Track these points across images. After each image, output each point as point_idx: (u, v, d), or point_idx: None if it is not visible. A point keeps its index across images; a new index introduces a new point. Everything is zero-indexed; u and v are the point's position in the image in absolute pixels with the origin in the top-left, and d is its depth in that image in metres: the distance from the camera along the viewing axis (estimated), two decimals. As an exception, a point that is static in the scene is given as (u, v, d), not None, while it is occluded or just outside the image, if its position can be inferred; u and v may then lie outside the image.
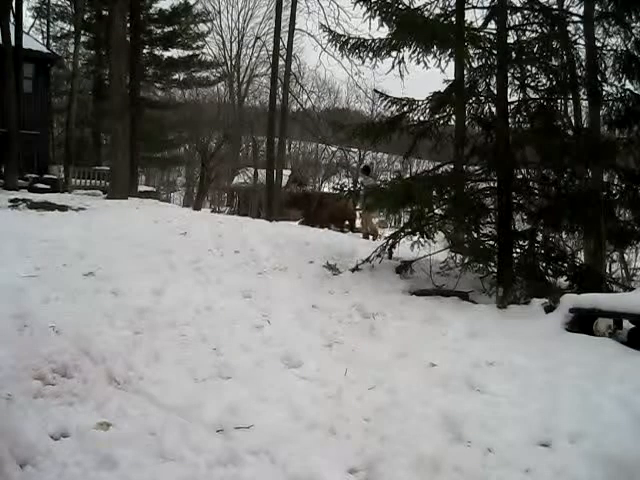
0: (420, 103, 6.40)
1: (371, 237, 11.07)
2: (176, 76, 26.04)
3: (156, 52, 24.69)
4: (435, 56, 6.24)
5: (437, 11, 6.33)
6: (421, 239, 6.19)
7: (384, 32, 6.40)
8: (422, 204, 6.07)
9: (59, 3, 24.54)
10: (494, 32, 5.95)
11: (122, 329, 3.96)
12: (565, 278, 5.94)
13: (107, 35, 16.08)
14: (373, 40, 6.48)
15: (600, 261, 6.80)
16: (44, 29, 24.81)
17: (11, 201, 10.74)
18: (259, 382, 3.29)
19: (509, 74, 5.88)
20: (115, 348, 3.58)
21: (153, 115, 24.12)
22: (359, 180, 12.57)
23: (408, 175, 9.63)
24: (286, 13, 18.65)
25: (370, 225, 11.62)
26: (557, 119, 6.06)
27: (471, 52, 6.12)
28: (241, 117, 29.10)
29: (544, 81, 5.94)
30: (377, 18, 6.19)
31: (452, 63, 6.52)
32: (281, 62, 18.38)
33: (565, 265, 5.93)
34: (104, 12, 21.83)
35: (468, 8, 6.24)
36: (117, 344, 3.66)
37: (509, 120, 5.95)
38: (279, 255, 6.64)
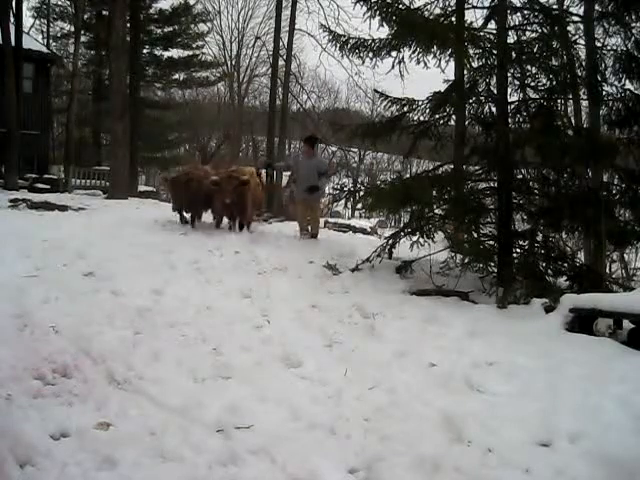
0: (420, 103, 6.40)
1: (308, 234, 7.96)
2: (176, 76, 26.07)
3: (156, 52, 24.71)
4: (435, 56, 6.25)
5: (437, 11, 6.36)
6: (421, 239, 6.19)
7: (384, 32, 6.41)
8: (422, 204, 6.07)
9: (59, 3, 24.58)
10: (494, 32, 5.95)
11: (122, 329, 3.96)
12: (565, 278, 5.94)
13: (107, 35, 16.09)
14: (373, 40, 6.49)
15: (600, 261, 6.80)
16: (44, 29, 24.86)
17: (11, 201, 10.76)
18: (259, 382, 3.28)
19: (509, 74, 5.88)
20: (115, 348, 3.58)
21: (153, 115, 24.14)
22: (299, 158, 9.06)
23: (408, 175, 9.62)
24: (286, 13, 18.68)
25: (313, 220, 8.19)
26: (557, 119, 6.05)
27: (471, 52, 6.12)
28: (241, 117, 29.08)
29: (544, 81, 5.94)
30: (377, 18, 6.19)
31: (452, 63, 6.54)
32: (281, 62, 18.39)
33: (565, 265, 5.93)
34: (104, 12, 21.87)
35: (468, 8, 6.26)
36: (117, 344, 3.66)
37: (509, 120, 5.95)
38: (279, 255, 6.64)
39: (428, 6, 6.32)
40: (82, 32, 22.79)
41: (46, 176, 17.32)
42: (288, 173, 8.89)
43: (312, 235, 8.03)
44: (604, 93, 6.17)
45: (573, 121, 6.98)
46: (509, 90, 5.93)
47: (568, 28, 6.15)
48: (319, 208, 8.70)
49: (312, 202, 8.08)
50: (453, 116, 6.59)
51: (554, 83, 5.90)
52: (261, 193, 9.03)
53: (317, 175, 7.81)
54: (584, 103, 7.15)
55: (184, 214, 8.46)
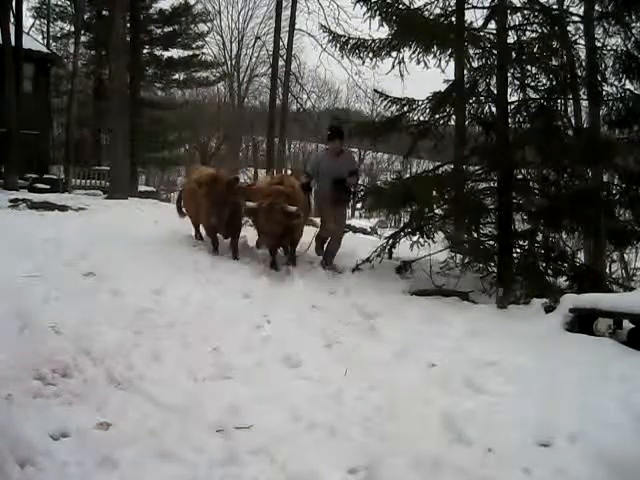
0: (420, 103, 6.41)
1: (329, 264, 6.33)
2: (176, 76, 26.04)
3: (156, 52, 24.68)
4: (435, 56, 6.26)
5: (437, 11, 6.35)
6: (420, 239, 6.19)
7: (384, 32, 6.42)
8: (422, 204, 6.07)
9: (59, 3, 24.58)
10: (494, 32, 5.95)
11: (122, 329, 3.96)
12: (565, 278, 5.94)
13: (107, 35, 16.09)
14: (373, 40, 6.49)
15: (600, 261, 6.81)
16: (44, 29, 24.87)
17: (11, 201, 10.76)
18: (259, 382, 3.29)
19: (509, 74, 5.88)
20: (115, 348, 3.58)
21: (153, 115, 24.13)
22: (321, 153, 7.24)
23: (408, 175, 9.61)
24: (286, 13, 18.69)
25: (334, 232, 6.41)
26: (557, 119, 6.06)
27: (471, 52, 6.14)
28: (241, 117, 29.08)
29: (544, 81, 5.95)
30: (377, 18, 6.20)
31: (452, 63, 6.53)
32: (281, 62, 18.41)
33: (565, 265, 5.93)
34: (104, 12, 21.88)
35: (468, 8, 6.25)
36: (117, 344, 3.65)
37: (509, 120, 5.95)
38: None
39: (428, 6, 6.32)
40: (82, 32, 22.81)
41: (46, 176, 17.34)
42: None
43: (327, 259, 6.34)
44: (604, 93, 6.17)
45: (573, 121, 6.96)
46: (509, 90, 5.93)
47: (568, 28, 6.16)
48: (345, 218, 6.75)
49: (337, 208, 6.37)
50: (453, 116, 6.59)
51: (554, 83, 5.90)
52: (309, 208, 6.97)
53: (347, 175, 6.24)
54: (584, 103, 7.14)
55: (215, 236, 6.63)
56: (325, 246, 6.53)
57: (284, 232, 5.79)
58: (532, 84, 5.96)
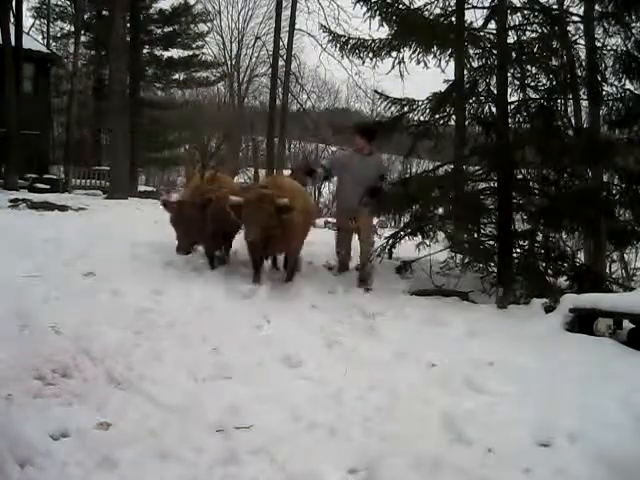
0: (420, 103, 6.42)
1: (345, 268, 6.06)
2: (176, 76, 26.08)
3: (156, 52, 24.73)
4: (435, 56, 6.28)
5: (437, 11, 6.37)
6: (425, 241, 6.19)
7: (384, 32, 6.43)
8: (422, 204, 6.06)
9: (59, 3, 24.62)
10: (494, 32, 5.96)
11: (122, 329, 3.95)
12: (565, 278, 5.94)
13: (107, 35, 16.11)
14: (373, 40, 6.51)
15: (600, 261, 6.81)
16: (44, 29, 24.92)
17: (11, 201, 10.78)
18: (259, 382, 3.28)
19: (509, 74, 5.89)
20: (115, 348, 3.57)
21: (153, 115, 24.15)
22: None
23: (408, 175, 9.61)
24: (286, 13, 18.70)
25: (363, 244, 6.03)
26: (557, 119, 6.06)
27: (471, 52, 6.14)
28: (241, 117, 29.09)
29: (544, 81, 5.95)
30: (377, 18, 6.21)
31: (452, 63, 6.55)
32: (281, 62, 18.41)
33: (565, 265, 5.93)
34: (104, 12, 21.92)
35: (468, 8, 6.26)
36: (117, 344, 3.65)
37: (509, 120, 5.96)
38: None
39: (428, 6, 6.33)
40: (82, 32, 22.85)
41: (46, 176, 17.36)
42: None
43: (361, 278, 5.79)
44: (604, 93, 6.17)
45: (573, 121, 6.97)
46: (509, 90, 5.94)
47: (568, 28, 6.16)
48: (372, 226, 6.24)
49: (365, 216, 5.92)
50: (453, 116, 6.59)
51: (554, 83, 5.91)
52: (313, 211, 6.31)
53: (378, 179, 5.92)
54: (584, 103, 7.14)
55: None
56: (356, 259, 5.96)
57: (272, 232, 5.06)
58: (532, 84, 5.96)
